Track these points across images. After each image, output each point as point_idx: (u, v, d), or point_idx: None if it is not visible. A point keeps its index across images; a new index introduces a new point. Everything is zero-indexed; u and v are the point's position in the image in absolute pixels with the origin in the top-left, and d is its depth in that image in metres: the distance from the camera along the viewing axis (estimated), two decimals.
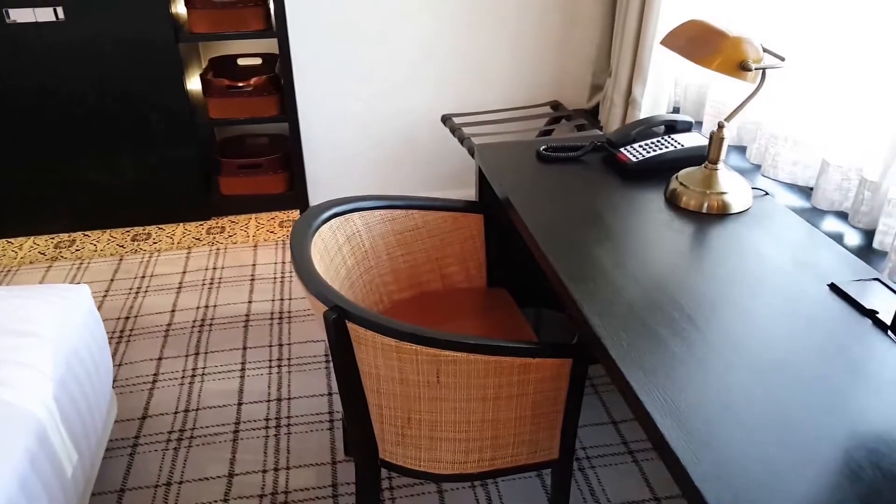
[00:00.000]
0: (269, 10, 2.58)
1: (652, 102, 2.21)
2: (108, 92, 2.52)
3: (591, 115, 2.56)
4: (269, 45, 2.84)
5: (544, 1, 2.53)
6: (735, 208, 1.31)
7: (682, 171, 1.37)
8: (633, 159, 1.44)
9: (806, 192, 1.64)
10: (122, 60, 2.48)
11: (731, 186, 1.32)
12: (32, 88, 2.46)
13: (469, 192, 2.82)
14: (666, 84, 2.19)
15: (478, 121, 2.38)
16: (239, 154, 2.89)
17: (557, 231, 1.28)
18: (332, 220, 1.37)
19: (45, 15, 2.33)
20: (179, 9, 2.64)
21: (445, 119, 2.40)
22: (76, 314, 1.44)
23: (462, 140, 2.23)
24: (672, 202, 1.36)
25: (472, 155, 2.16)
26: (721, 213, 1.31)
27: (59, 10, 2.33)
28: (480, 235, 1.55)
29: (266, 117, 2.73)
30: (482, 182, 1.62)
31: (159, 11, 2.44)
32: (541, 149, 1.57)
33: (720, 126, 1.29)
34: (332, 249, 1.35)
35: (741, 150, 1.86)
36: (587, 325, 1.03)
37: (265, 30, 2.57)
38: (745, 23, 1.83)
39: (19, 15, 2.32)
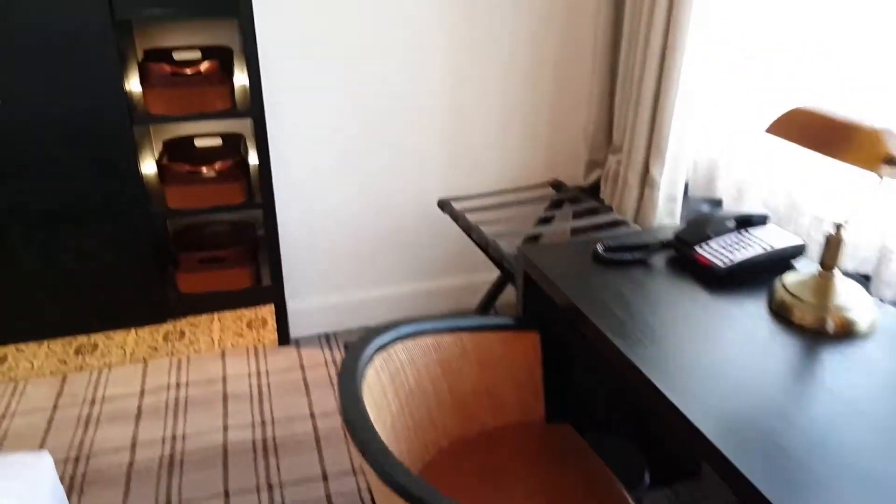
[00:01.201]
0: (233, 88, 2.32)
1: (669, 182, 2.04)
2: (49, 181, 2.17)
3: (592, 194, 2.38)
4: (228, 124, 2.56)
5: (535, 73, 2.37)
6: (862, 327, 1.11)
7: (788, 278, 1.17)
8: (721, 263, 1.23)
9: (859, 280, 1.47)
10: (67, 147, 2.15)
11: (852, 298, 1.12)
12: None
13: (466, 280, 2.57)
14: (683, 162, 2.04)
15: (477, 206, 2.15)
16: (198, 245, 2.55)
17: (652, 350, 1.05)
18: (376, 358, 1.09)
19: None
20: (132, 86, 2.34)
21: (443, 204, 2.17)
22: (36, 495, 1.08)
23: (469, 230, 1.99)
24: (780, 315, 1.15)
25: (485, 249, 1.93)
26: (846, 333, 1.10)
27: None
28: (537, 357, 1.30)
29: (232, 205, 2.43)
30: (528, 291, 1.38)
31: (112, 91, 2.14)
32: (599, 249, 1.34)
33: (838, 227, 1.10)
34: (378, 398, 1.07)
35: None
36: (720, 459, 0.81)
37: (230, 109, 2.30)
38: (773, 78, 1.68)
39: None
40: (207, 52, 2.37)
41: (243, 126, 2.60)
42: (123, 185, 2.25)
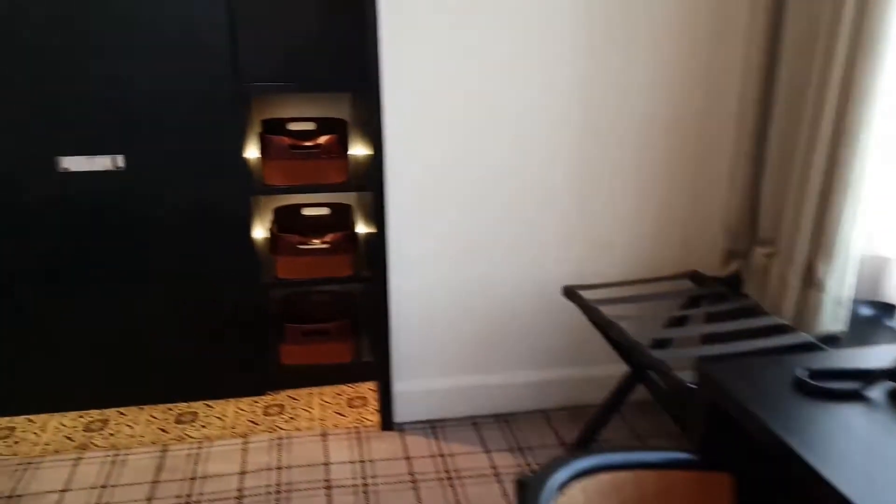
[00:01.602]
0: (348, 161, 2.25)
1: (838, 283, 1.80)
2: (164, 245, 2.13)
3: (731, 287, 2.15)
4: (335, 194, 2.48)
5: (670, 151, 2.20)
6: None
7: None
8: None
9: None
10: (184, 213, 2.11)
11: None
12: (74, 244, 2.08)
13: (584, 372, 2.35)
14: (853, 260, 1.79)
15: (606, 296, 1.96)
16: (300, 316, 2.46)
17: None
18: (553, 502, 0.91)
19: (102, 163, 1.99)
20: (249, 155, 2.31)
21: (570, 293, 1.99)
22: None
23: (605, 326, 1.80)
24: None
25: (626, 351, 1.73)
26: None
27: (120, 158, 1.99)
28: None
29: (339, 278, 2.34)
30: (712, 420, 1.17)
31: (231, 160, 2.11)
32: (801, 375, 1.13)
33: None
34: None
35: None
36: None
37: (345, 182, 2.24)
38: None
39: (73, 163, 1.97)
40: (322, 124, 2.33)
41: (349, 196, 2.53)
42: (235, 252, 2.20)
